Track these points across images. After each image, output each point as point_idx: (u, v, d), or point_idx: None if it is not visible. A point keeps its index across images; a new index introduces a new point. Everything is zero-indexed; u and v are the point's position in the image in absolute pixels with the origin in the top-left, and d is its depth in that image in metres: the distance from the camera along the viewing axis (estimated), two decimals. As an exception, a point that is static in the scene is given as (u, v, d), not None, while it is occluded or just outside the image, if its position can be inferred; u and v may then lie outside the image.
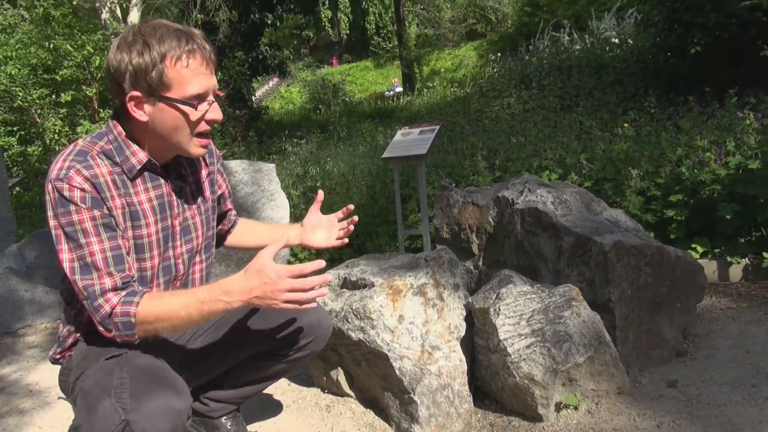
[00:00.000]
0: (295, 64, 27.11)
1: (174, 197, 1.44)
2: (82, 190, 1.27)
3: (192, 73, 1.30)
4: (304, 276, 1.25)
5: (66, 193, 1.26)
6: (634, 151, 3.71)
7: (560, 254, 2.28)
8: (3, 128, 9.82)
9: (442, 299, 2.01)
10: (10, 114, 9.78)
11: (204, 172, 1.55)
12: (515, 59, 9.29)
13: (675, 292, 2.27)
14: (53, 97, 9.86)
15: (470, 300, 2.03)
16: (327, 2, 26.03)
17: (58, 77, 9.54)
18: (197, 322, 1.31)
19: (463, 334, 2.00)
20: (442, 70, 20.56)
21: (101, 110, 9.85)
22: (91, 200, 1.28)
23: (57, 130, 9.53)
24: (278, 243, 1.31)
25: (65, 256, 1.28)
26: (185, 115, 1.31)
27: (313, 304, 1.30)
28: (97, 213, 1.28)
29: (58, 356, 1.49)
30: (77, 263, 1.28)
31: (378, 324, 1.86)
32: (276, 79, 23.53)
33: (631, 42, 8.75)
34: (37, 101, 9.60)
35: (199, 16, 9.21)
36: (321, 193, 1.69)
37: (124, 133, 1.35)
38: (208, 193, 1.55)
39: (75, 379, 1.38)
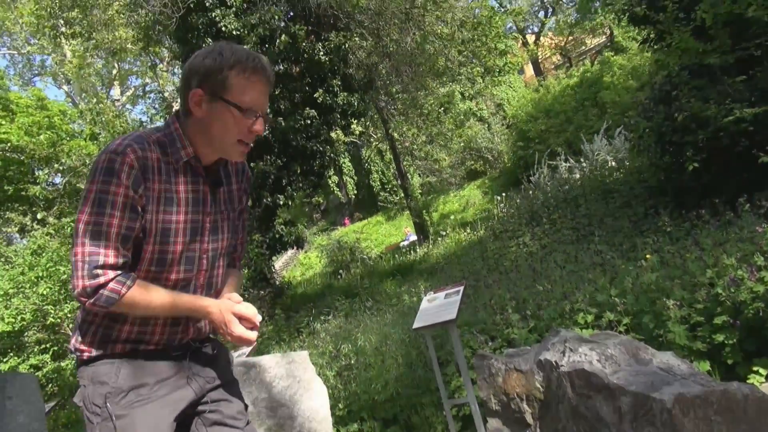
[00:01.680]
0: (310, 229, 28.09)
1: (209, 197, 1.59)
2: (131, 166, 1.42)
3: (251, 86, 1.50)
4: (248, 318, 1.56)
5: (116, 166, 1.41)
6: (664, 279, 3.66)
7: (621, 417, 2.15)
8: (36, 347, 9.98)
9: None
10: (43, 332, 10.01)
11: (235, 186, 1.70)
12: (521, 197, 9.59)
13: (755, 438, 2.10)
14: (84, 308, 10.24)
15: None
16: (332, 169, 27.69)
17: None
18: (162, 316, 1.54)
19: None
20: (452, 216, 21.16)
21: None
22: (133, 178, 1.42)
23: (89, 340, 9.73)
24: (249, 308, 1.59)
25: (84, 217, 1.41)
26: (235, 117, 1.49)
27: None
28: (131, 193, 1.42)
29: (78, 350, 1.56)
30: (92, 228, 1.40)
31: None
32: (294, 248, 24.18)
33: (628, 163, 9.08)
34: (69, 315, 9.90)
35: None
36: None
37: (181, 131, 1.54)
38: (236, 204, 1.71)
39: None
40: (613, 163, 9.03)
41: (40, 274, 10.37)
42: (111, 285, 1.40)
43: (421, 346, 4.39)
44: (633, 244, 5.24)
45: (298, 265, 24.41)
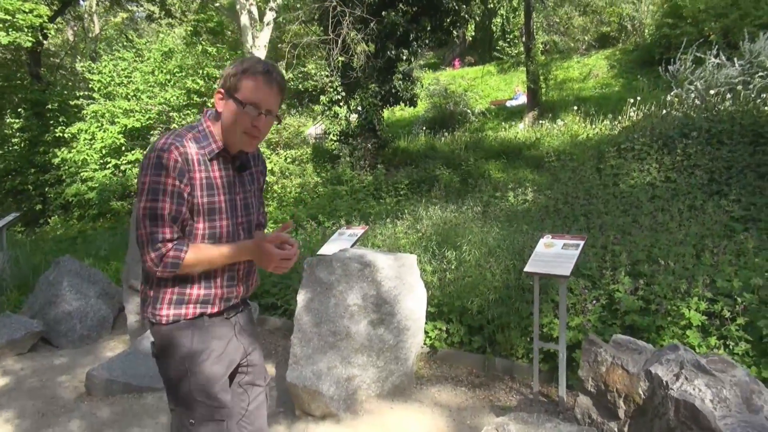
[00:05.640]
0: (417, 61, 27.15)
1: (236, 179, 1.95)
2: (176, 161, 1.76)
3: (255, 87, 1.82)
4: (284, 241, 1.88)
5: (164, 161, 1.75)
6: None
7: (717, 460, 2.28)
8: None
9: None
10: (166, 135, 10.90)
11: (254, 169, 2.07)
12: (657, 114, 8.76)
13: None
14: (205, 121, 10.94)
15: None
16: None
17: (209, 104, 10.53)
18: (219, 266, 1.89)
19: None
20: (568, 84, 19.78)
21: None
22: (178, 170, 1.76)
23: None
24: (278, 234, 1.89)
25: (143, 204, 1.76)
26: (240, 112, 1.83)
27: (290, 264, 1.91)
28: (177, 182, 1.76)
29: (157, 316, 1.90)
30: (149, 212, 1.75)
31: None
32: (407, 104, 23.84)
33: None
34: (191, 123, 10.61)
35: (339, 59, 9.68)
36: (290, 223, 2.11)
37: (211, 127, 1.89)
38: (256, 183, 2.08)
39: (173, 385, 1.92)
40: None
41: (169, 78, 10.97)
42: (171, 253, 1.76)
43: (521, 275, 4.54)
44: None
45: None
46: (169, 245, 1.76)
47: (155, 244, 1.75)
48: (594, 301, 4.06)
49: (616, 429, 2.81)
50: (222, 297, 1.94)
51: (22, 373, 4.73)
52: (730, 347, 3.48)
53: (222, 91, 1.86)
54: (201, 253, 1.82)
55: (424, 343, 4.60)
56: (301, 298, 3.95)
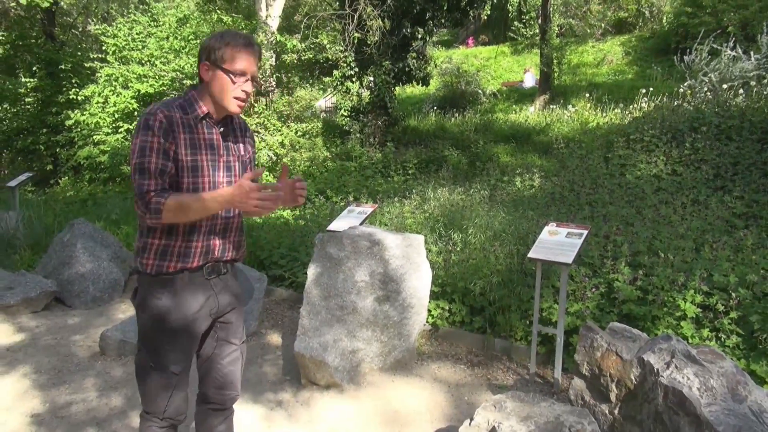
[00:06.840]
0: (431, 39, 26.84)
1: (220, 143, 2.15)
2: (161, 122, 1.99)
3: (239, 57, 2.05)
4: (265, 189, 1.96)
5: (150, 122, 1.99)
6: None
7: (699, 444, 2.43)
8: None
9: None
10: (180, 102, 10.94)
11: (241, 139, 2.27)
12: (669, 106, 8.73)
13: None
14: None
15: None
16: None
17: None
18: (201, 214, 2.04)
19: None
20: (581, 68, 19.62)
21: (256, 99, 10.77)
22: (162, 131, 1.99)
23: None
24: (253, 173, 1.98)
25: (134, 161, 2.00)
26: (229, 80, 2.05)
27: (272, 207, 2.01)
28: (162, 141, 1.98)
29: (143, 264, 2.12)
30: (138, 167, 1.98)
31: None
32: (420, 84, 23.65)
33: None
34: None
35: (355, 35, 9.67)
36: (286, 167, 2.26)
37: (196, 96, 2.10)
38: (243, 151, 2.27)
39: (145, 330, 2.16)
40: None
41: (183, 45, 10.96)
42: (154, 200, 1.97)
43: (524, 260, 4.66)
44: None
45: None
46: (153, 194, 1.98)
47: (142, 194, 1.98)
48: (593, 289, 4.19)
49: (607, 411, 2.96)
50: (201, 250, 2.14)
51: (37, 330, 4.91)
52: (722, 340, 3.61)
53: (207, 63, 2.06)
54: (181, 198, 2.00)
55: (427, 321, 4.75)
56: (311, 272, 4.09)
